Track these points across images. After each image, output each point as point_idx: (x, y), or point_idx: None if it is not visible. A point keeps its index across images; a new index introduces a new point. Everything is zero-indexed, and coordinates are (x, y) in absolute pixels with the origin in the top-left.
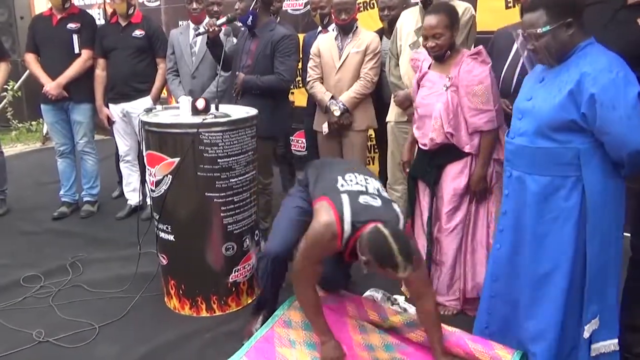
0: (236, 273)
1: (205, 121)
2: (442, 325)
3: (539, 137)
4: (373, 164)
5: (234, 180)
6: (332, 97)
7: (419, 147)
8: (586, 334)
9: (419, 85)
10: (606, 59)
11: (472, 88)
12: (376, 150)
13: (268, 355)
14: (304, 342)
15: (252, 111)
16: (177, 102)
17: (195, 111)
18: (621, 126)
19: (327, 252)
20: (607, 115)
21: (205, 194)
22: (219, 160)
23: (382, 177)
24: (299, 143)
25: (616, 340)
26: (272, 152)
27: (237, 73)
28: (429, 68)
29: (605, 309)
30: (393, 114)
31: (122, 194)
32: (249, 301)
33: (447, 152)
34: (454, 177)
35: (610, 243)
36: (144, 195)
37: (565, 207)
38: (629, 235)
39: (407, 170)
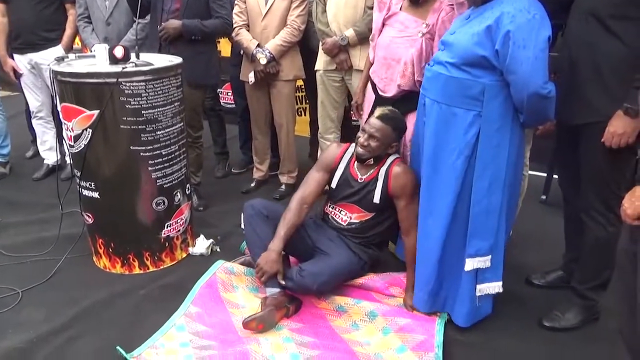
0: (169, 228)
1: (125, 70)
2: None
3: (454, 68)
4: (305, 114)
5: (160, 132)
6: (259, 45)
7: (377, 94)
8: (467, 267)
9: (383, 24)
10: (527, 1)
11: None
12: (307, 102)
13: (214, 299)
14: (247, 287)
15: (175, 59)
16: (92, 52)
17: (114, 60)
18: (528, 66)
19: (328, 157)
20: (518, 53)
21: (131, 147)
22: (143, 112)
23: (313, 127)
24: (228, 95)
25: (500, 282)
26: (202, 104)
27: (163, 18)
28: (400, 9)
29: (493, 251)
30: (321, 62)
31: (37, 153)
32: (184, 256)
33: (409, 100)
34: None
35: (501, 185)
36: (63, 154)
37: (462, 140)
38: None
39: (361, 112)
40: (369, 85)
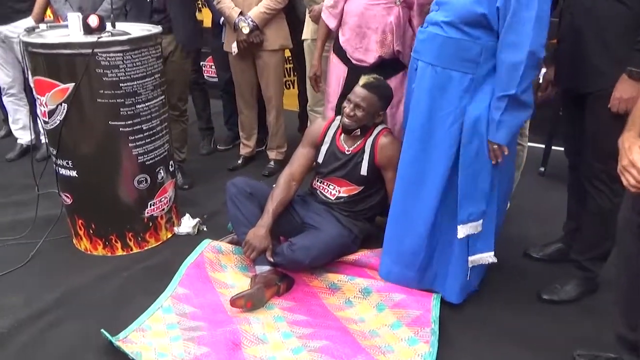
0: (152, 207)
1: (101, 40)
2: None
3: (451, 28)
4: (293, 87)
5: (140, 106)
6: (241, 13)
7: (350, 64)
8: (459, 234)
9: None
10: None
11: (425, 7)
12: (295, 74)
13: (202, 280)
14: (236, 266)
15: (154, 29)
16: (65, 22)
17: (88, 29)
18: (529, 26)
19: (313, 132)
20: (521, 12)
21: (109, 122)
22: (121, 84)
23: (302, 100)
24: (212, 69)
25: (492, 253)
26: (190, 75)
27: None
28: None
29: (484, 220)
30: (309, 30)
31: (9, 133)
32: (169, 236)
33: (389, 65)
34: (396, 90)
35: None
36: (37, 134)
37: (457, 106)
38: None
39: (320, 84)
40: (333, 57)
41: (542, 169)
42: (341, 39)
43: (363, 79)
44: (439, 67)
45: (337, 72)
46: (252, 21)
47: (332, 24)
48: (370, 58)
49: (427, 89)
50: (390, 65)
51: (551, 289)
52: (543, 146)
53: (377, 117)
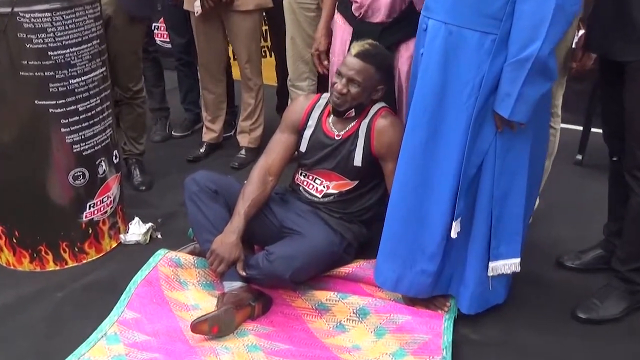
0: (92, 209)
1: None
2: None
3: None
4: (269, 55)
5: (75, 81)
6: None
7: (354, 24)
8: (490, 272)
9: None
10: None
11: None
12: (271, 39)
13: (156, 301)
14: (198, 283)
15: None
16: None
17: None
18: None
19: (293, 114)
20: None
21: (36, 102)
22: (50, 53)
23: (281, 72)
24: (166, 32)
25: (518, 260)
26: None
27: None
28: None
29: (511, 218)
30: None
31: None
32: (114, 245)
33: (403, 23)
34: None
35: (519, 136)
36: None
37: (477, 74)
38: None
39: (325, 62)
40: (337, 17)
41: (580, 156)
42: None
43: (355, 47)
44: (453, 25)
45: (341, 35)
46: None
47: None
48: (380, 11)
49: (438, 53)
50: (406, 22)
51: (589, 306)
52: (580, 128)
53: (375, 93)
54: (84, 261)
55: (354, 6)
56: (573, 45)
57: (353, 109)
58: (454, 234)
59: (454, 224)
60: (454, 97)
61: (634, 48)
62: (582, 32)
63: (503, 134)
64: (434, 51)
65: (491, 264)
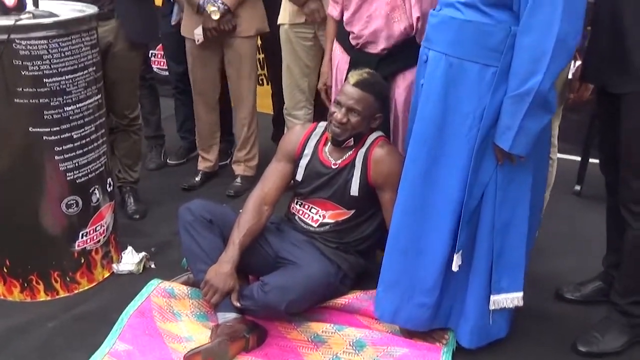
0: (84, 238)
1: (20, 23)
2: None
3: (471, 9)
4: (267, 83)
5: (70, 108)
6: None
7: (354, 52)
8: (492, 305)
9: None
10: None
11: None
12: (267, 67)
13: (149, 332)
14: (192, 314)
15: (89, 9)
16: None
17: (3, 10)
18: (558, 7)
19: (289, 143)
20: None
21: (30, 129)
22: (45, 80)
23: (277, 101)
24: (164, 59)
25: (521, 294)
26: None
27: None
28: None
29: (512, 250)
30: (286, 13)
31: None
32: (106, 275)
33: (402, 54)
34: (410, 88)
35: (520, 168)
36: None
37: (478, 106)
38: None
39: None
40: (336, 46)
41: (578, 187)
42: (345, 16)
43: (353, 76)
44: (454, 57)
45: (340, 64)
46: (222, 3)
47: (334, 12)
48: (379, 42)
49: (439, 84)
50: (404, 53)
51: (589, 339)
52: (579, 159)
53: (373, 121)
54: (76, 291)
55: (351, 36)
56: (570, 76)
57: (352, 138)
58: (455, 267)
59: (455, 256)
60: (454, 128)
61: (630, 80)
62: (578, 63)
63: (504, 166)
64: (435, 83)
65: (493, 298)
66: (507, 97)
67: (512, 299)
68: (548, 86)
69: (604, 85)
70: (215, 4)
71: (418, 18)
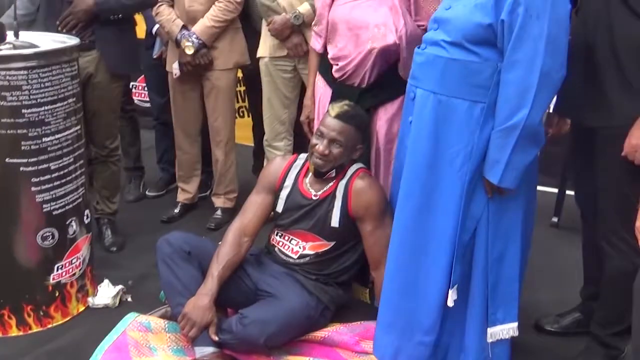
0: (60, 271)
1: (0, 53)
2: None
3: (455, 48)
4: (247, 115)
5: (48, 140)
6: (184, 27)
7: (336, 85)
8: (489, 338)
9: None
10: None
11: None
12: (248, 98)
13: None
14: (169, 348)
15: (70, 40)
16: None
17: None
18: (540, 43)
19: (269, 175)
20: (530, 24)
21: (6, 160)
22: (24, 110)
23: (258, 132)
24: (144, 91)
25: (515, 324)
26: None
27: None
28: None
29: (506, 281)
30: (267, 47)
31: None
32: (81, 309)
33: (378, 89)
34: (392, 120)
35: (511, 200)
36: None
37: (468, 142)
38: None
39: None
40: (318, 79)
41: (555, 219)
42: (331, 52)
43: (334, 108)
44: (442, 95)
45: (322, 98)
46: (197, 38)
47: (317, 45)
48: (360, 74)
49: (429, 122)
50: (385, 85)
51: None
52: (556, 190)
53: (355, 152)
54: (49, 325)
55: (334, 68)
56: (550, 110)
57: (334, 170)
58: (450, 303)
59: (450, 292)
60: (446, 166)
61: (601, 115)
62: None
63: (495, 199)
64: (424, 120)
65: (489, 330)
66: (495, 131)
67: (508, 329)
68: (537, 119)
69: (581, 120)
70: (190, 39)
71: (397, 44)
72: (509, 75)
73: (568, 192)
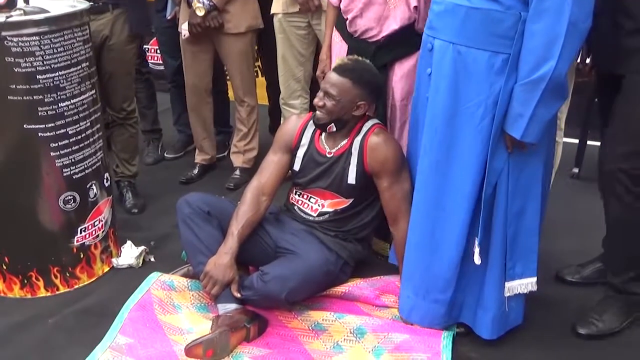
0: (83, 234)
1: (10, 20)
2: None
3: None
4: (262, 75)
5: (64, 104)
6: None
7: (352, 40)
8: (506, 292)
9: None
10: None
11: None
12: (261, 58)
13: (150, 325)
14: (192, 305)
15: (80, 4)
16: None
17: None
18: None
19: (286, 134)
20: None
21: (24, 126)
22: (38, 76)
23: (272, 92)
24: (157, 53)
25: (534, 279)
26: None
27: None
28: None
29: (526, 234)
30: (280, 3)
31: None
32: (106, 270)
33: (394, 44)
34: (407, 76)
35: (532, 154)
36: None
37: (489, 94)
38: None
39: None
40: (335, 34)
41: (576, 169)
42: (343, 8)
43: (337, 61)
44: (462, 45)
45: (338, 52)
46: (208, 0)
47: None
48: (377, 28)
49: (448, 74)
50: (401, 41)
51: (587, 321)
52: (576, 141)
53: (356, 108)
54: (76, 286)
55: (348, 23)
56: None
57: (333, 124)
58: (477, 260)
59: (476, 249)
60: (466, 118)
61: (628, 60)
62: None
63: (515, 154)
64: (443, 72)
65: (507, 284)
66: (518, 84)
67: (526, 284)
68: (564, 71)
69: (606, 67)
70: (201, 0)
71: (416, 7)
72: (535, 25)
73: (589, 142)
